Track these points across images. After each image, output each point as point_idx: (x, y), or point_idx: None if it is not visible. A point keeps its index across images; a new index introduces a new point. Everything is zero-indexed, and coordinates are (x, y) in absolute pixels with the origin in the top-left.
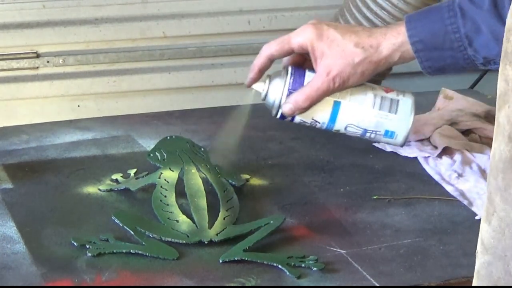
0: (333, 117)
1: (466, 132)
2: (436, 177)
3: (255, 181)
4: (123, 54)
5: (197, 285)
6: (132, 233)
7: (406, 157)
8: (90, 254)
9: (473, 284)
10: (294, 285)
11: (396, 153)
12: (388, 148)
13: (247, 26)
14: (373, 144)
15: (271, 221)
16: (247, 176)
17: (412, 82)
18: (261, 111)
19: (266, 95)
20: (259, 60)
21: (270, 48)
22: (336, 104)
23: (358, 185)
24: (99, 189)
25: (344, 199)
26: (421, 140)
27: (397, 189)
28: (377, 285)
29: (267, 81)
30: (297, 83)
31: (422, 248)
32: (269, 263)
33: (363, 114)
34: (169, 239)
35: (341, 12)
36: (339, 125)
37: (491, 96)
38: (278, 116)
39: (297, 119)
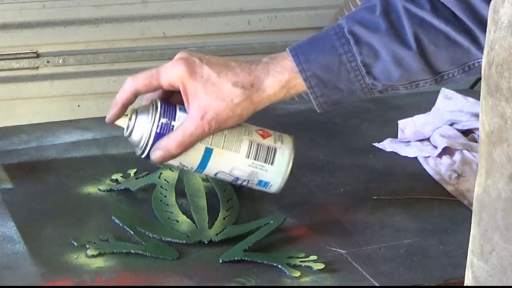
0: (203, 164)
1: (466, 132)
2: (436, 177)
3: None
4: (123, 54)
5: (197, 285)
6: (132, 233)
7: (406, 157)
8: (90, 254)
9: None
10: (294, 285)
11: (396, 153)
12: (388, 148)
13: (247, 26)
14: (373, 144)
15: (271, 221)
16: None
17: None
18: (261, 110)
19: (130, 133)
20: (123, 95)
21: (136, 83)
22: (208, 151)
23: (358, 185)
24: (99, 189)
25: (344, 199)
26: (421, 140)
27: (397, 189)
28: (377, 285)
29: (133, 117)
30: (167, 125)
31: (422, 248)
32: (269, 263)
33: (236, 163)
34: (169, 239)
35: (341, 12)
36: (208, 171)
37: None
38: (143, 156)
39: None
